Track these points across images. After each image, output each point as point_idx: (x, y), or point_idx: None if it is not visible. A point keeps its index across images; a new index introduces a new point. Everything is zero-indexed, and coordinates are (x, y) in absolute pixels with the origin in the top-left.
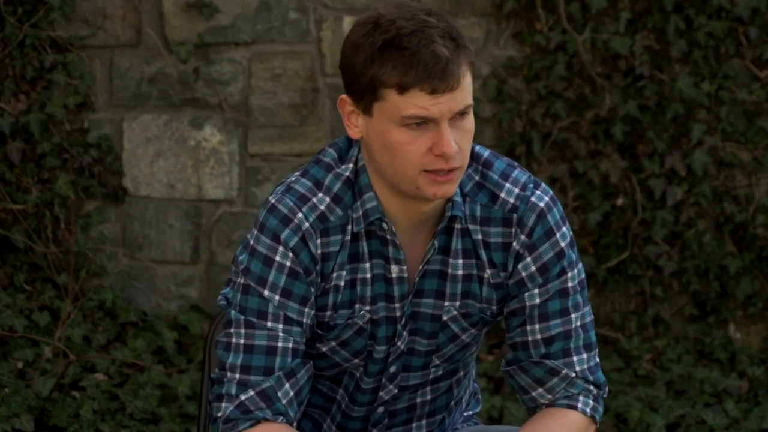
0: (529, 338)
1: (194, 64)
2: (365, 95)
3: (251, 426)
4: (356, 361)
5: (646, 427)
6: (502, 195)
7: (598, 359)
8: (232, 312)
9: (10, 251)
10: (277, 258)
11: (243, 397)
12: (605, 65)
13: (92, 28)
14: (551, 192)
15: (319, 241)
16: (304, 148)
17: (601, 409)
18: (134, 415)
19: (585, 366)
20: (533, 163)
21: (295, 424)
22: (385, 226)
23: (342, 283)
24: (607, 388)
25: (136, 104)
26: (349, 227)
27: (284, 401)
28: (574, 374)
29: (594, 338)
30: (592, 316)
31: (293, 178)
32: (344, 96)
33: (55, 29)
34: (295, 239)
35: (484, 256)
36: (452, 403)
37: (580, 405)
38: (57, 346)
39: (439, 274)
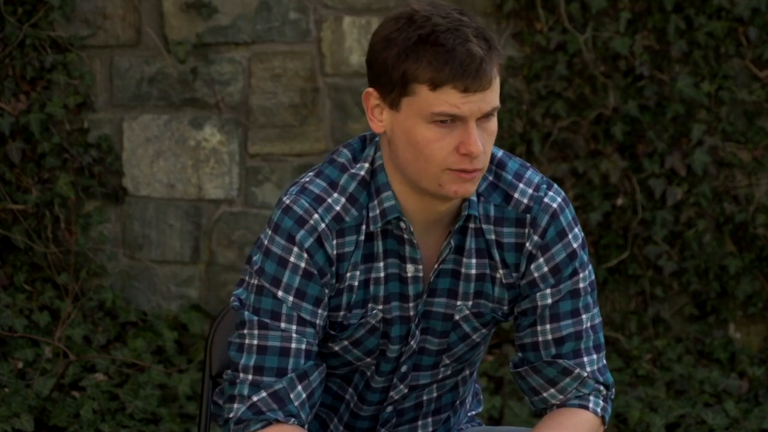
0: (540, 339)
1: (194, 64)
2: (394, 89)
3: (263, 427)
4: (368, 360)
5: (646, 427)
6: (516, 195)
7: (605, 361)
8: (246, 313)
9: (10, 251)
10: (292, 259)
11: (255, 398)
12: (605, 65)
13: (92, 28)
14: (563, 193)
15: (334, 242)
16: (304, 148)
17: (610, 410)
18: (134, 415)
19: (595, 367)
20: (533, 163)
21: (306, 426)
22: (402, 225)
23: (356, 283)
24: (614, 389)
25: (136, 104)
26: (364, 227)
27: (296, 403)
28: (585, 374)
29: (602, 339)
30: (601, 318)
31: (307, 179)
32: (370, 89)
33: (55, 29)
34: (311, 240)
35: (497, 256)
36: (457, 401)
37: (591, 405)
38: (57, 346)
39: (452, 274)
